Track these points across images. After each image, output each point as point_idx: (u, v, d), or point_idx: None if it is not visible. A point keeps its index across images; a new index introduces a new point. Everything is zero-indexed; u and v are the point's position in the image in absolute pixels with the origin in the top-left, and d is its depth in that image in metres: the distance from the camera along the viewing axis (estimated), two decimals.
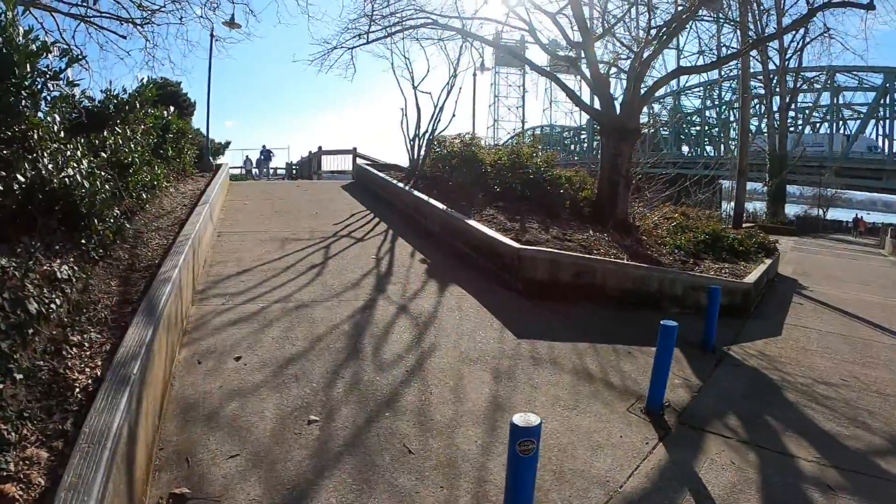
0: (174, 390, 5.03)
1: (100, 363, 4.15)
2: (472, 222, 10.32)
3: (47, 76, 6.01)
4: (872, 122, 56.50)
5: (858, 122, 57.90)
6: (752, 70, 37.26)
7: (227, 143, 43.50)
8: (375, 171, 17.96)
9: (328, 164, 28.30)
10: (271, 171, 36.71)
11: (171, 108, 14.45)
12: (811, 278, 15.66)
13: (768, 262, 13.22)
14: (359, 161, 21.93)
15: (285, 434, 4.46)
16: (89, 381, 3.88)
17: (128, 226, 7.76)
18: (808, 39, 40.67)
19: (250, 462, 4.10)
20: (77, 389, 3.77)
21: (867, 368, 7.90)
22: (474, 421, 4.96)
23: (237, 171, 36.69)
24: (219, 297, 7.33)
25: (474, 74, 28.70)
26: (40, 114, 5.88)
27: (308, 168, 29.20)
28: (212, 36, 20.07)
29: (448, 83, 16.70)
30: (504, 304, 8.10)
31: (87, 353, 4.30)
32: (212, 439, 4.33)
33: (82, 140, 7.05)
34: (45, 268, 4.64)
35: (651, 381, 5.73)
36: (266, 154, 36.08)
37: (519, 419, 3.12)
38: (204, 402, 4.85)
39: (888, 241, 31.98)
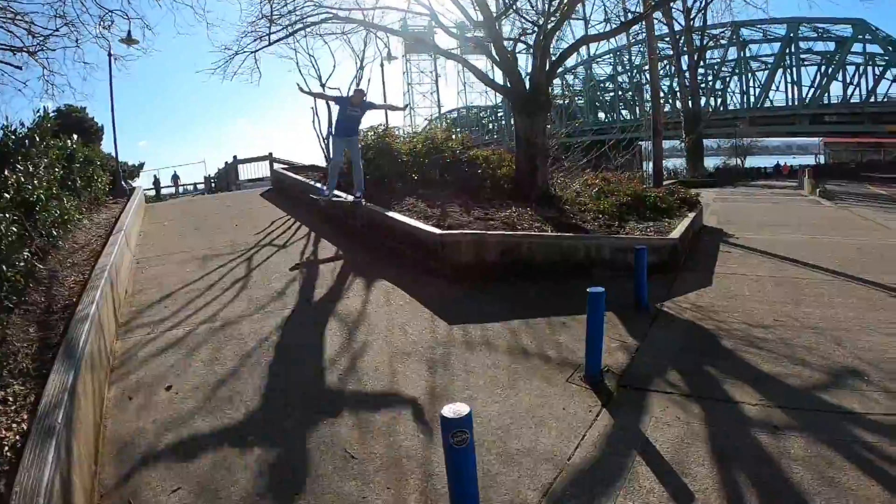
0: (108, 431, 4.91)
1: (26, 416, 4.03)
2: (392, 214, 10.34)
3: None
4: (780, 71, 58.46)
5: (766, 72, 59.89)
6: (659, 33, 38.07)
7: (142, 165, 42.64)
8: (293, 175, 17.78)
9: (246, 172, 27.88)
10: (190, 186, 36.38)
11: (75, 136, 13.94)
12: (736, 226, 15.90)
13: (692, 215, 13.42)
14: (276, 166, 21.67)
15: (225, 458, 4.41)
16: (17, 437, 3.78)
17: (40, 267, 7.50)
18: None
19: (193, 493, 4.04)
20: (6, 447, 3.66)
21: (800, 306, 8.03)
22: (413, 416, 4.99)
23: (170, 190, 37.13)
24: (143, 327, 7.17)
25: (381, 65, 28.38)
26: None
27: (226, 179, 28.62)
28: (110, 55, 19.42)
29: (355, 76, 16.64)
30: (433, 292, 8.15)
31: (12, 407, 4.18)
32: (153, 476, 4.25)
33: None
34: None
35: (586, 349, 5.73)
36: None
37: (448, 411, 3.09)
38: (139, 438, 4.75)
39: (806, 181, 33.07)
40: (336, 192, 11.98)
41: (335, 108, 13.97)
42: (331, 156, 16.58)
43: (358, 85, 16.51)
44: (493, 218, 10.53)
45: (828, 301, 8.30)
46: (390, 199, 11.86)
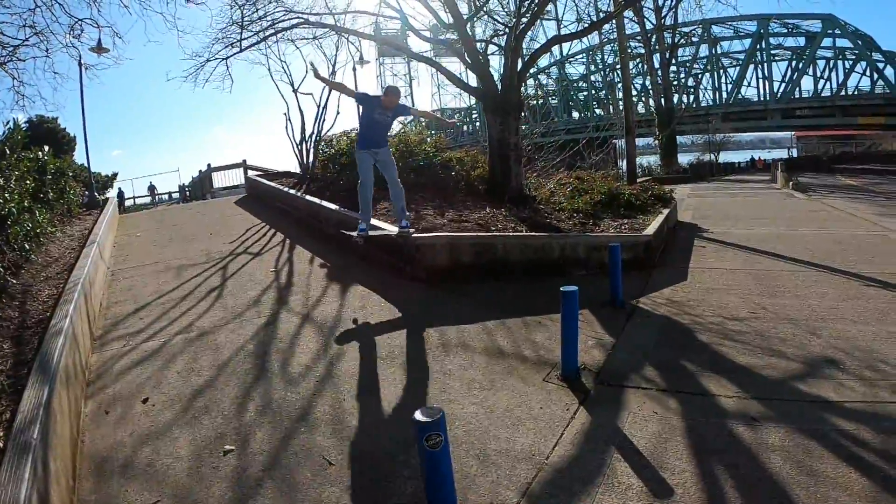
0: (85, 446, 4.85)
1: (1, 433, 3.98)
2: None
3: None
4: (751, 67, 59.37)
5: (737, 68, 60.78)
6: (630, 31, 38.41)
7: (115, 175, 42.29)
8: (267, 182, 17.73)
9: (220, 180, 27.80)
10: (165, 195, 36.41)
11: (46, 148, 13.80)
12: (710, 220, 16.01)
13: (666, 211, 13.42)
14: (250, 173, 21.57)
15: (202, 470, 4.37)
16: None
17: (13, 281, 7.44)
18: None
19: None
20: None
21: (774, 298, 8.10)
22: (391, 420, 4.99)
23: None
24: (118, 339, 7.10)
25: (354, 69, 28.19)
26: None
27: (200, 188, 28.46)
28: (80, 64, 19.21)
29: None
30: (408, 295, 8.17)
31: None
32: (130, 490, 4.20)
33: None
34: None
35: (562, 347, 5.74)
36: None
37: (421, 414, 3.09)
38: (117, 453, 4.70)
39: (779, 175, 33.50)
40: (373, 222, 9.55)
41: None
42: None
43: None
44: (467, 219, 10.53)
45: (803, 292, 8.37)
46: None
